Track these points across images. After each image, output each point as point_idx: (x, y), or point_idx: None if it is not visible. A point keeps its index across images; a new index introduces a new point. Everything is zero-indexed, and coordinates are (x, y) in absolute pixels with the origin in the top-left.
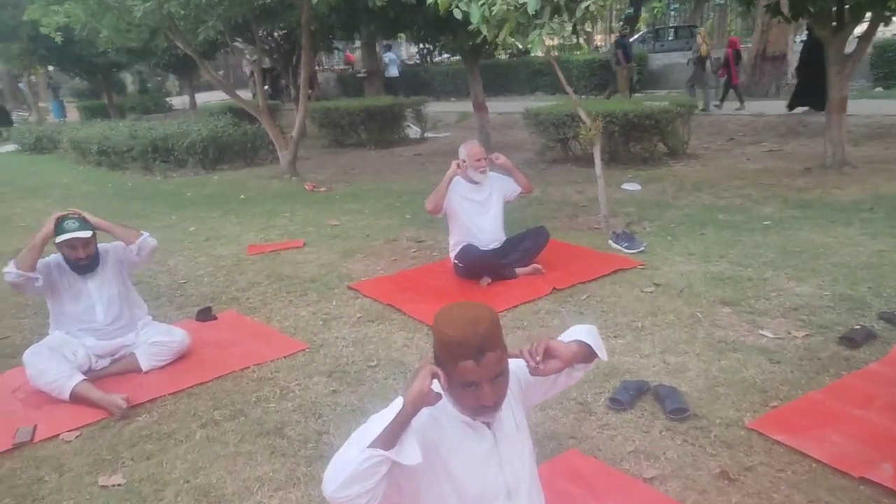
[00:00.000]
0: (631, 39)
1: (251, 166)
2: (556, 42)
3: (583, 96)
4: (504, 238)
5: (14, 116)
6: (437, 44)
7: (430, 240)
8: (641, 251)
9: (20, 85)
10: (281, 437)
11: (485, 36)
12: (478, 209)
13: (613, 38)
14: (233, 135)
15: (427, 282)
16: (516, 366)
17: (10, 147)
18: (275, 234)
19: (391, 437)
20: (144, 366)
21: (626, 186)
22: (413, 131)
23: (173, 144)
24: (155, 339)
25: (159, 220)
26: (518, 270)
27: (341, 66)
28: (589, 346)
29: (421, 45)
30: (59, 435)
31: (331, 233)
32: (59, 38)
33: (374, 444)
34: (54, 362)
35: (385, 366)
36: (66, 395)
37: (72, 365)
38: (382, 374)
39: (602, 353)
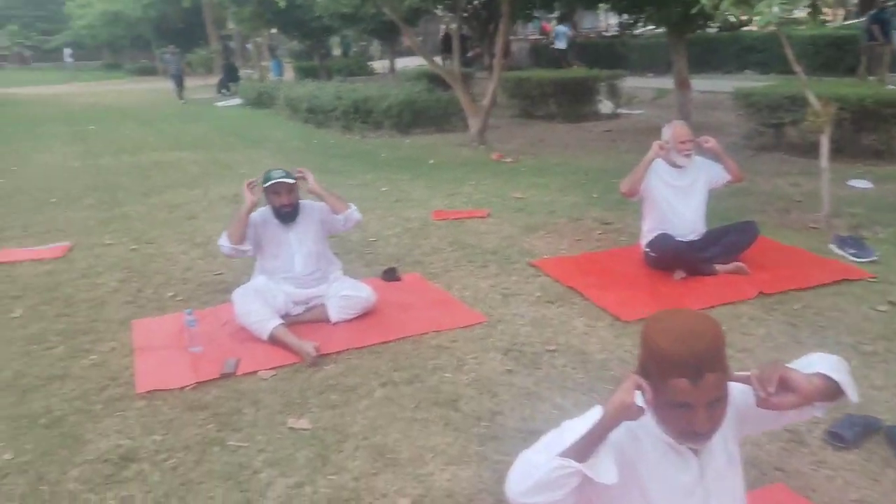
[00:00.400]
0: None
1: (442, 132)
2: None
3: (810, 77)
4: (704, 230)
5: (241, 73)
6: (641, 15)
7: (619, 223)
8: (873, 261)
9: (248, 46)
10: (455, 409)
11: (701, 6)
12: (679, 196)
13: (841, 12)
14: (427, 100)
15: (613, 267)
16: (735, 389)
17: (237, 101)
18: (460, 202)
19: (586, 448)
20: (333, 317)
21: (855, 183)
22: (605, 106)
23: (373, 107)
24: (344, 293)
25: (355, 178)
26: (718, 267)
27: (535, 36)
28: (836, 383)
29: (622, 16)
30: (257, 372)
31: (514, 205)
32: (282, 3)
33: (566, 454)
34: (258, 304)
35: (564, 352)
36: (266, 336)
37: (272, 308)
38: (561, 360)
39: (853, 395)
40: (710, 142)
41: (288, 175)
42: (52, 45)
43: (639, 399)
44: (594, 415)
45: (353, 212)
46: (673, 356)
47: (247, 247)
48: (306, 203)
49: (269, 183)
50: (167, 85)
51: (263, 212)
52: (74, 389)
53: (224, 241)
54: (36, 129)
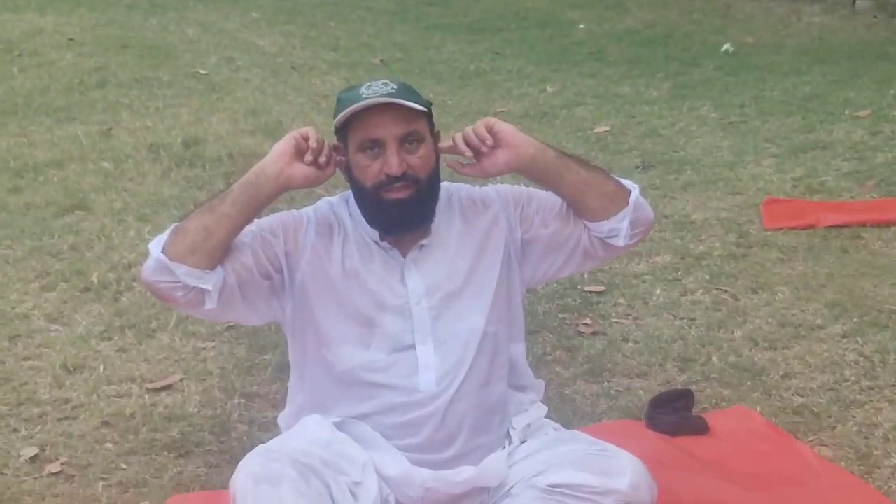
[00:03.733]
0: None
1: None
2: None
3: None
4: None
5: None
6: None
7: None
8: None
9: None
10: None
11: None
12: None
13: None
14: None
15: None
16: None
17: None
18: (830, 170)
19: None
20: None
21: None
22: None
23: None
24: (559, 480)
25: (502, 87)
26: None
27: None
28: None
29: None
30: None
31: None
32: None
33: None
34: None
35: None
36: None
37: None
38: None
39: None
40: None
41: (401, 91)
42: None
43: None
44: None
45: (638, 200)
46: None
47: (205, 283)
48: (461, 188)
49: (351, 109)
50: None
51: (333, 206)
52: None
53: (157, 246)
54: None
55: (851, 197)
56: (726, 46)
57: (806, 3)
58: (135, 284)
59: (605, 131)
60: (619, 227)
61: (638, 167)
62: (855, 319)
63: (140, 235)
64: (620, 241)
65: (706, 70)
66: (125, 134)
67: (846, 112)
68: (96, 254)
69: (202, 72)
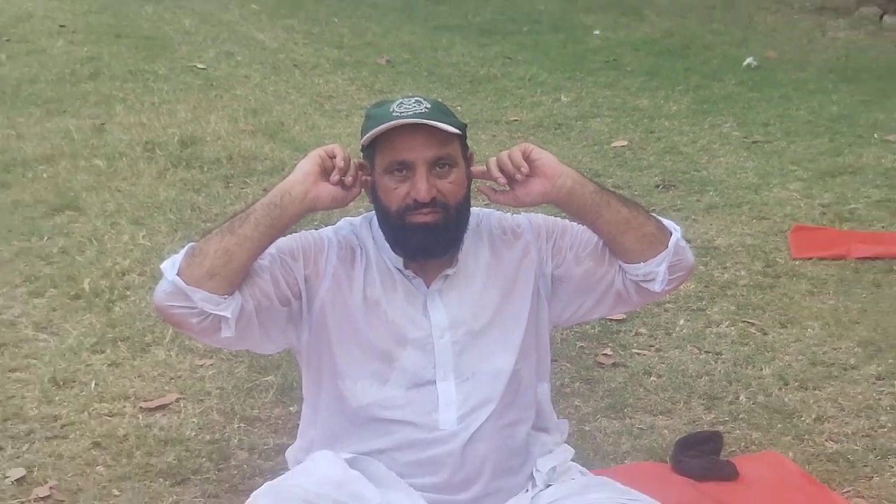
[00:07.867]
0: None
1: None
2: None
3: None
4: None
5: None
6: None
7: None
8: None
9: None
10: None
11: None
12: None
13: None
14: None
15: None
16: None
17: None
18: (859, 196)
19: None
20: None
21: None
22: None
23: None
24: None
25: (520, 98)
26: None
27: None
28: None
29: None
30: None
31: None
32: None
33: None
34: None
35: None
36: None
37: None
38: None
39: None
40: None
41: (435, 111)
42: None
43: None
44: None
45: (679, 243)
46: None
47: (224, 310)
48: (491, 215)
49: (380, 129)
50: None
51: (355, 228)
52: None
53: (171, 268)
54: None
55: (883, 227)
56: (749, 60)
57: (831, 17)
58: (128, 293)
59: (623, 146)
60: (656, 270)
61: (658, 186)
62: (890, 360)
63: (134, 240)
64: (657, 286)
65: (728, 85)
66: (119, 130)
67: (875, 135)
68: (88, 258)
69: (199, 66)
